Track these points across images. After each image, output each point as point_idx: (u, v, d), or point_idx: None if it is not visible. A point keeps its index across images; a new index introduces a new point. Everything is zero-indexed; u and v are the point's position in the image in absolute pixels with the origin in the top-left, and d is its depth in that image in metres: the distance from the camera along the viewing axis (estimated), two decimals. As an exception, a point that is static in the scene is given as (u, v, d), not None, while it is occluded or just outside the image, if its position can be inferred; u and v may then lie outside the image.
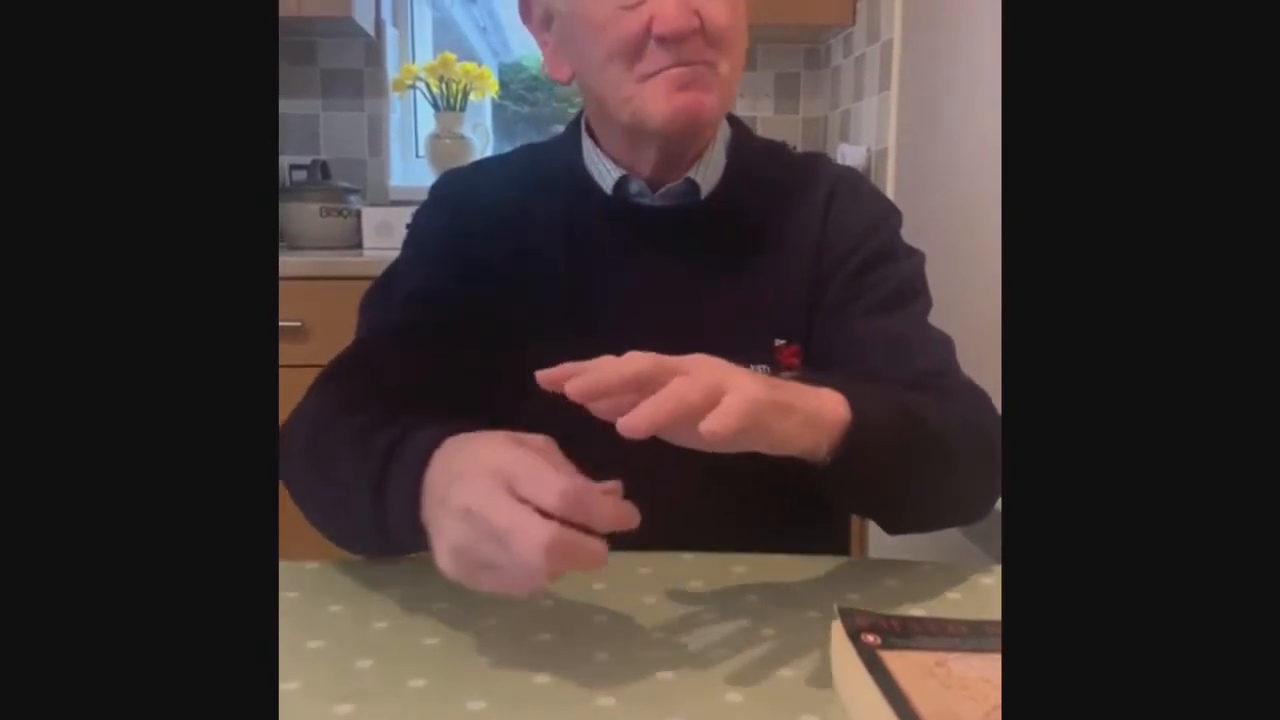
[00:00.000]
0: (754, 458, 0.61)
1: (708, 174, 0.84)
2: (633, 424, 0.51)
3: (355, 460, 0.62)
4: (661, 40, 0.73)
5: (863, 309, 0.82)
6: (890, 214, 0.87)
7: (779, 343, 0.83)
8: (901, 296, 0.83)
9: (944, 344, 0.82)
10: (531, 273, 0.85)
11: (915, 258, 0.86)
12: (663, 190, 0.83)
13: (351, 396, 0.73)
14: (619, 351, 0.78)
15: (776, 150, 0.91)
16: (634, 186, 0.84)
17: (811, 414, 0.60)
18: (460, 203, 0.88)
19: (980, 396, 0.77)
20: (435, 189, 0.91)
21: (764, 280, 0.83)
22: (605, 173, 0.84)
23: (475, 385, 0.85)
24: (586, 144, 0.86)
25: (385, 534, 0.59)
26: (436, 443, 0.58)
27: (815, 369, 0.83)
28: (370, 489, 0.59)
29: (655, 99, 0.75)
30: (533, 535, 0.50)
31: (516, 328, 0.84)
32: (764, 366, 0.81)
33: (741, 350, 0.79)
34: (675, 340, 0.79)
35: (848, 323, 0.82)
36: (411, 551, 0.59)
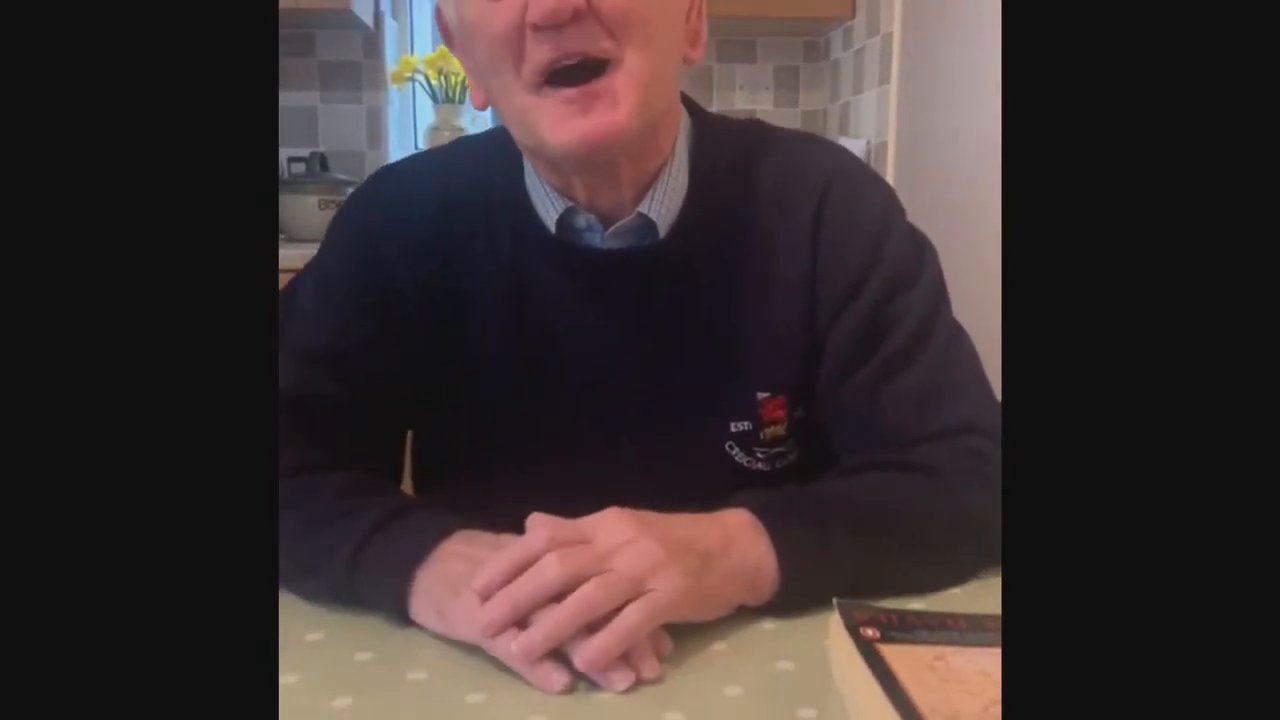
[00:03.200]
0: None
1: (666, 203, 0.70)
2: (527, 646, 0.50)
3: (323, 521, 0.62)
4: (537, 29, 0.60)
5: (879, 368, 0.70)
6: (890, 211, 0.74)
7: (762, 396, 0.73)
8: (920, 334, 0.71)
9: (966, 383, 0.71)
10: (475, 325, 0.73)
11: (928, 266, 0.74)
12: (615, 228, 0.70)
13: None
14: (577, 427, 0.74)
15: (749, 147, 0.75)
16: (581, 221, 0.71)
17: (731, 572, 0.56)
18: (385, 227, 0.73)
19: (995, 462, 0.66)
20: (357, 200, 0.77)
21: (744, 327, 0.72)
22: (548, 204, 0.71)
23: (398, 465, 0.79)
24: (527, 163, 0.72)
25: (353, 590, 0.59)
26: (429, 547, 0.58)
27: (825, 431, 0.74)
28: (348, 556, 0.59)
29: (553, 124, 0.62)
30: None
31: (459, 395, 0.75)
32: (746, 424, 0.74)
33: (720, 411, 0.74)
34: (643, 410, 0.74)
35: (863, 385, 0.71)
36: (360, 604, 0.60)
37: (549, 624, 0.50)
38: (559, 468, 0.73)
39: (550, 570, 0.51)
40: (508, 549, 0.54)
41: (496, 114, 0.68)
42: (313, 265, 0.76)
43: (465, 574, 0.55)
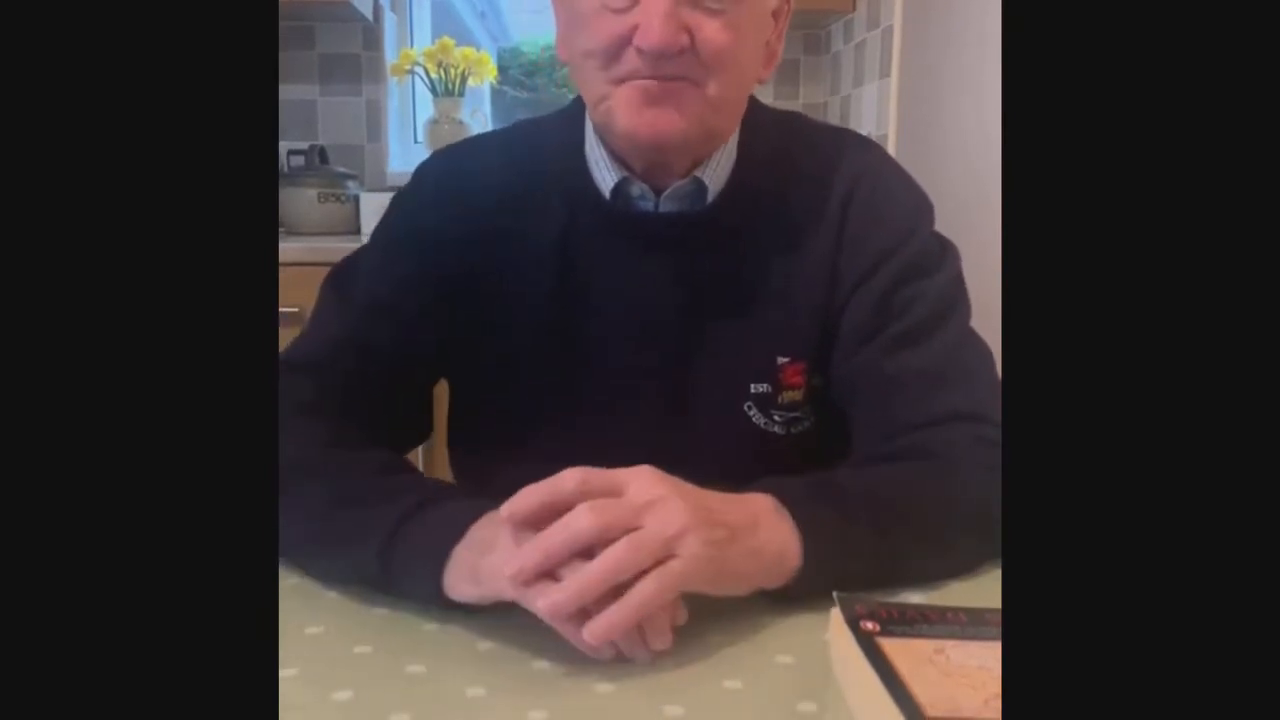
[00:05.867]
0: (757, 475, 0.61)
1: (717, 172, 0.76)
2: (554, 606, 0.50)
3: (351, 503, 0.62)
4: (641, 53, 0.67)
5: (889, 342, 0.74)
6: (919, 213, 0.78)
7: (782, 360, 0.77)
8: (933, 321, 0.74)
9: (976, 375, 0.73)
10: (518, 289, 0.78)
11: (948, 264, 0.77)
12: (668, 192, 0.76)
13: (321, 412, 0.70)
14: (606, 384, 0.78)
15: (791, 135, 0.81)
16: (635, 190, 0.77)
17: (756, 549, 0.56)
18: (445, 198, 0.80)
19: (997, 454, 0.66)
20: (420, 175, 0.84)
21: (772, 294, 0.77)
22: (605, 172, 0.77)
23: (428, 425, 0.82)
24: (589, 133, 0.78)
25: (386, 573, 0.59)
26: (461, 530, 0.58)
27: (835, 402, 0.78)
28: (379, 544, 0.58)
29: (623, 109, 0.69)
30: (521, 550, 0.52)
31: (496, 352, 0.79)
32: (765, 386, 0.77)
33: (741, 371, 0.77)
34: (670, 368, 0.77)
35: (873, 359, 0.74)
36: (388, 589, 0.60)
37: (577, 583, 0.50)
38: (585, 423, 0.77)
39: (582, 521, 0.51)
40: (539, 483, 0.54)
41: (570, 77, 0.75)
42: (380, 225, 0.82)
43: (491, 537, 0.55)
